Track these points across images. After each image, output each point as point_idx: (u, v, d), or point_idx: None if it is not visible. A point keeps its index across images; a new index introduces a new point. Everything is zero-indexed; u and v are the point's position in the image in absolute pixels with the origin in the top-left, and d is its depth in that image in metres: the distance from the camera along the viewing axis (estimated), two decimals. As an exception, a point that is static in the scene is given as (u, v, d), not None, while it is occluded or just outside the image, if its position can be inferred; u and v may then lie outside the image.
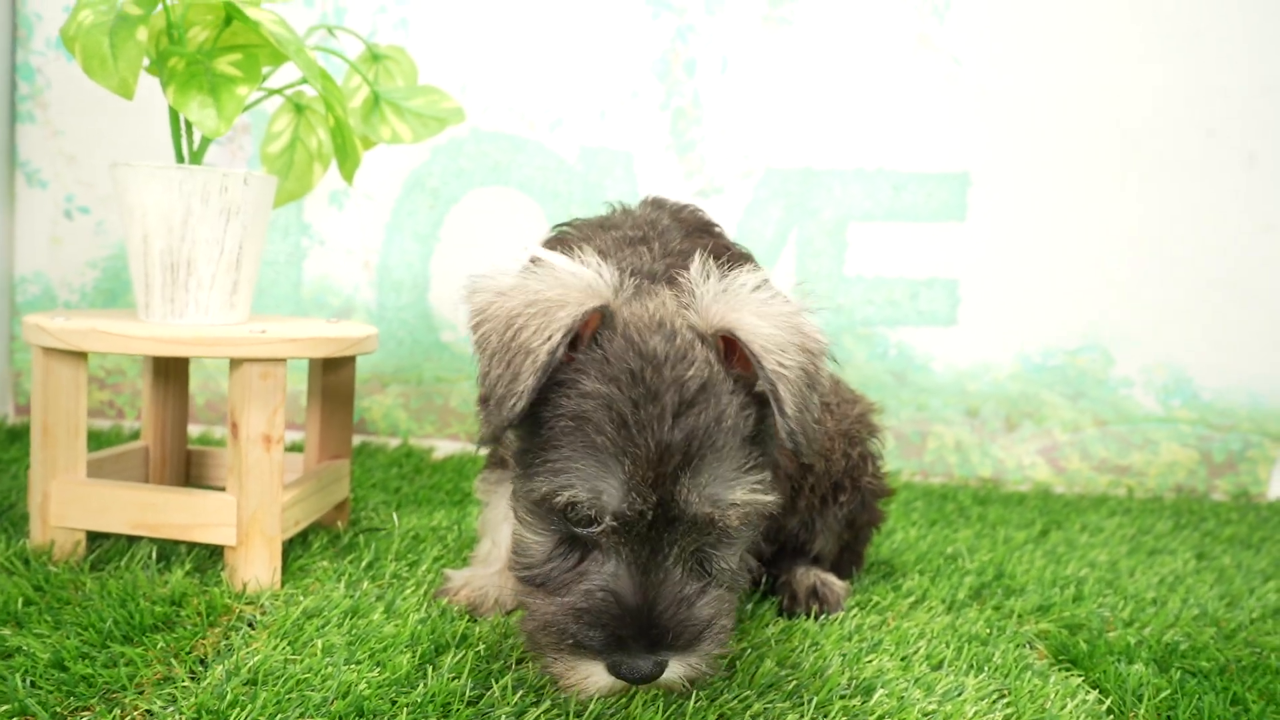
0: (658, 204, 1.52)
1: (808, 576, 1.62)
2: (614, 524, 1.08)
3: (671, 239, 1.40)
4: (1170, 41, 2.67)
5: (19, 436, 2.46)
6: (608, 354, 1.10)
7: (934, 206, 2.74)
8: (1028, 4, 2.68)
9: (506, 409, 1.10)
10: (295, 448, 2.50)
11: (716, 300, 1.15)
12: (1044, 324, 2.76)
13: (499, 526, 1.57)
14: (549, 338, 1.09)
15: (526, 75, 2.70)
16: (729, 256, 1.37)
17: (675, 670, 1.09)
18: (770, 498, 1.12)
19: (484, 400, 1.18)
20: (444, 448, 2.74)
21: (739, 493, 1.09)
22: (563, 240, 1.45)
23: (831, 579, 1.64)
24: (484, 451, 1.52)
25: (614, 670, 1.08)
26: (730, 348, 1.14)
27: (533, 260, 1.25)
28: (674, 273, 1.29)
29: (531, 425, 1.14)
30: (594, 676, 1.09)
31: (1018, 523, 2.29)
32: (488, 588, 1.53)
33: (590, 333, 1.13)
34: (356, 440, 2.72)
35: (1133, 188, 2.71)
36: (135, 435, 2.58)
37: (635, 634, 1.07)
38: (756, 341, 1.10)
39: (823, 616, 1.55)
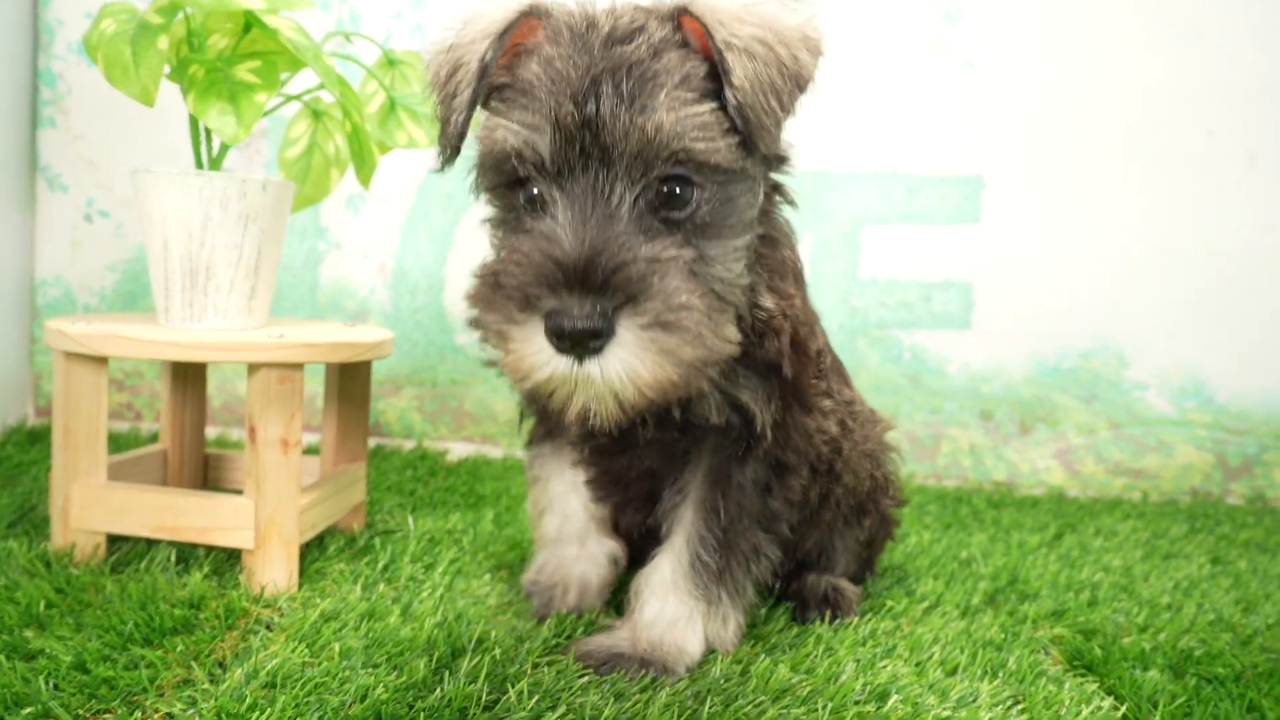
0: None
1: (820, 582, 1.62)
2: (552, 167, 1.02)
3: None
4: (1181, 38, 2.66)
5: (40, 438, 2.49)
6: (544, 41, 1.07)
7: (948, 209, 2.74)
8: (1040, 6, 2.67)
9: (452, 126, 1.11)
10: (311, 450, 2.52)
11: None
12: (1058, 326, 2.76)
13: (566, 498, 1.49)
14: (478, 44, 1.09)
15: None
16: None
17: (627, 345, 0.96)
18: (713, 146, 1.02)
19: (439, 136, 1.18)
20: (458, 450, 2.75)
21: (678, 113, 1.00)
22: None
23: (844, 584, 1.63)
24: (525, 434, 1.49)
25: (550, 326, 0.95)
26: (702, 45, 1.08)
27: None
28: None
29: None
30: (533, 341, 0.98)
31: (1032, 526, 2.28)
32: (569, 565, 1.49)
33: (531, 39, 1.11)
34: (372, 443, 2.74)
35: (1146, 189, 2.70)
36: (153, 437, 2.61)
37: (572, 277, 0.95)
38: (711, 15, 1.05)
39: (836, 621, 1.55)
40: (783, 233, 1.30)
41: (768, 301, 1.21)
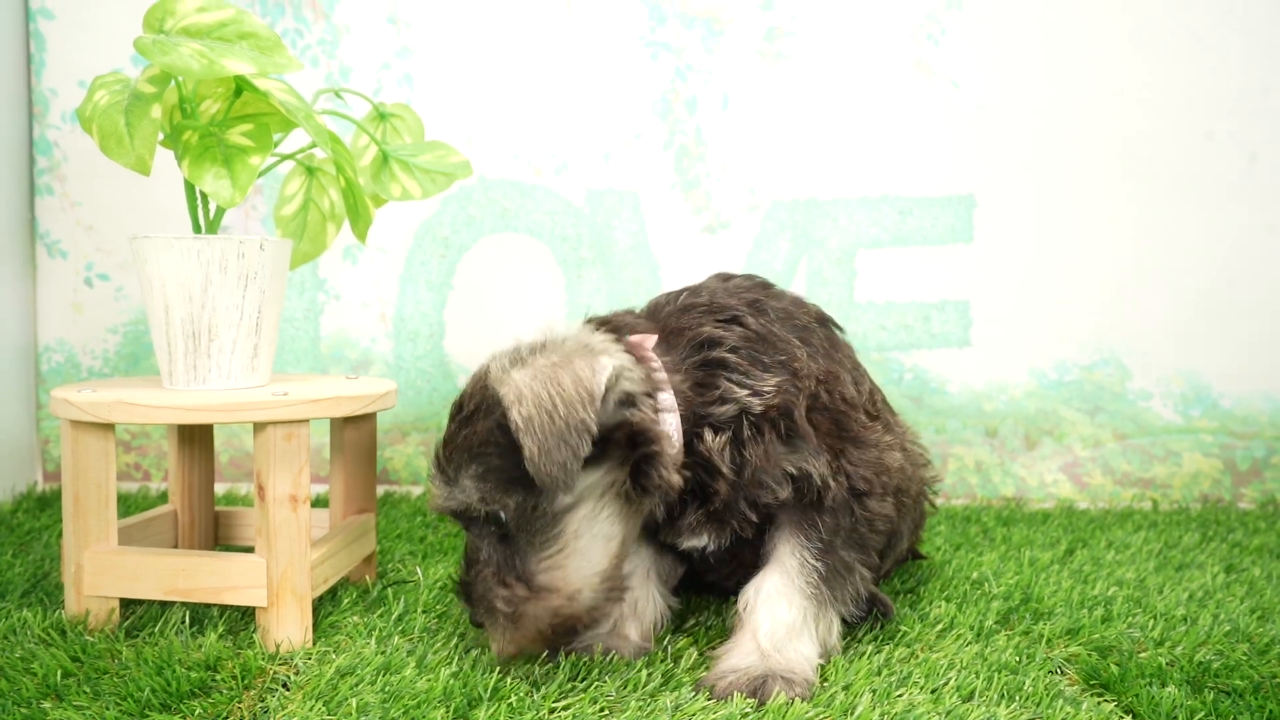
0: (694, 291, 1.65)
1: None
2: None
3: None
4: (1167, 49, 2.69)
5: (49, 504, 2.50)
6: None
7: (941, 230, 2.76)
8: (1023, 22, 2.71)
9: None
10: (321, 501, 2.53)
11: (514, 364, 1.39)
12: (1058, 340, 2.77)
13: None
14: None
15: (530, 122, 2.74)
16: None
17: (489, 635, 1.43)
18: (507, 501, 1.38)
19: None
20: (466, 493, 2.75)
21: (471, 485, 1.39)
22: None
23: (879, 592, 1.74)
24: None
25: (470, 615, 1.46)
26: None
27: None
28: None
29: None
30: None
31: (1042, 542, 2.28)
32: (591, 641, 1.56)
33: None
34: (380, 491, 2.74)
35: (1139, 197, 2.72)
36: (162, 497, 2.61)
37: (466, 596, 1.45)
38: (506, 395, 1.34)
39: (888, 620, 1.68)
40: (752, 338, 1.50)
41: (756, 406, 1.43)
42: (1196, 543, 2.29)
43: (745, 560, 1.57)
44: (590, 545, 1.41)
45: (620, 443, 1.39)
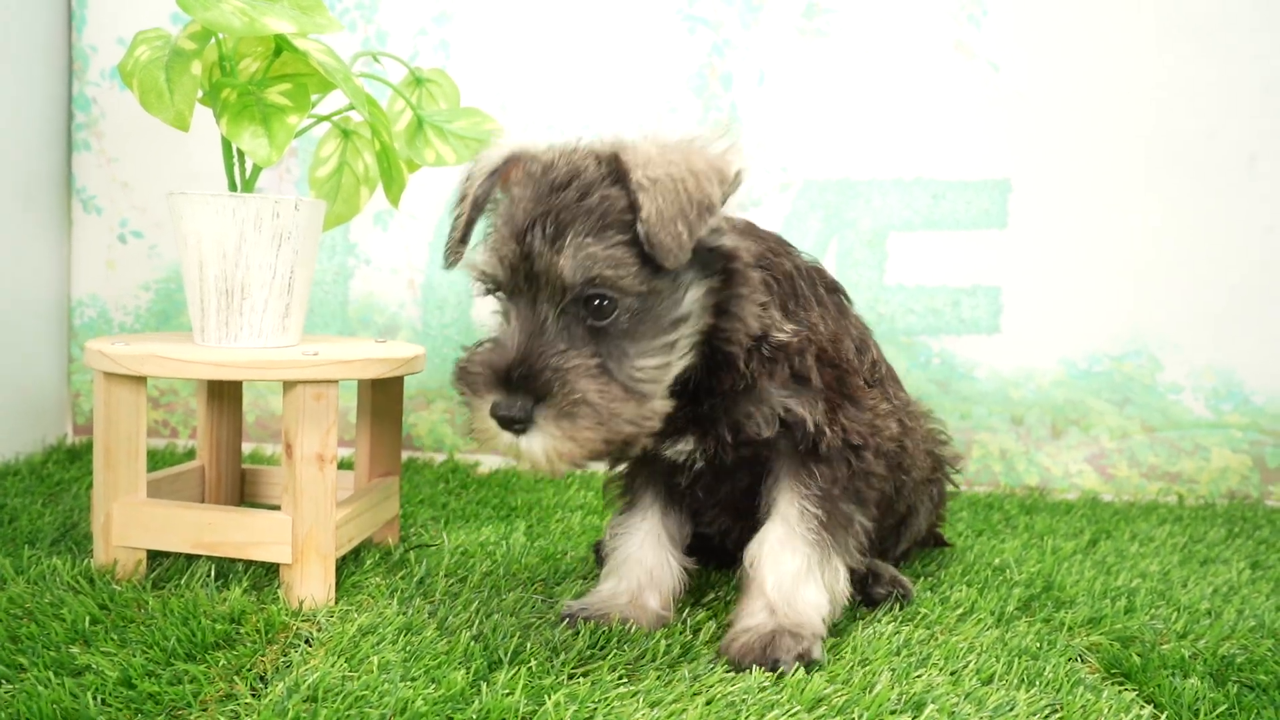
0: None
1: (884, 570, 1.73)
2: (501, 292, 1.33)
3: None
4: (1211, 38, 2.64)
5: (79, 456, 2.53)
6: (516, 183, 1.35)
7: (974, 214, 2.73)
8: (1066, 7, 2.66)
9: (451, 237, 1.45)
10: (346, 465, 2.55)
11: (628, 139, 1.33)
12: (1088, 330, 2.74)
13: (637, 554, 1.61)
14: (479, 180, 1.42)
15: (565, 93, 2.73)
16: None
17: (543, 430, 1.25)
18: (619, 273, 1.27)
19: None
20: (489, 462, 2.77)
21: (587, 251, 1.26)
22: None
23: (901, 575, 1.76)
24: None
25: (492, 410, 1.27)
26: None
27: None
28: None
29: None
30: (486, 419, 1.28)
31: (1066, 532, 2.27)
32: (619, 601, 1.57)
33: (514, 177, 1.37)
34: (404, 456, 2.76)
35: (1172, 190, 2.68)
36: (190, 454, 2.64)
37: (505, 377, 1.26)
38: (632, 159, 1.28)
39: (907, 602, 1.69)
40: (788, 276, 1.50)
41: (780, 335, 1.44)
42: (1222, 538, 2.27)
43: (740, 507, 1.59)
44: (677, 365, 1.35)
45: (714, 271, 1.37)
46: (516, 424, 1.26)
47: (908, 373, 2.75)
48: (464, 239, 1.45)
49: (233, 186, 1.77)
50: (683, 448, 1.50)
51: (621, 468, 1.68)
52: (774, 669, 1.36)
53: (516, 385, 1.26)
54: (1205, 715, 1.28)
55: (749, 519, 1.57)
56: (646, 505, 1.65)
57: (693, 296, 1.35)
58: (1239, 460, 2.72)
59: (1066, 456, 2.76)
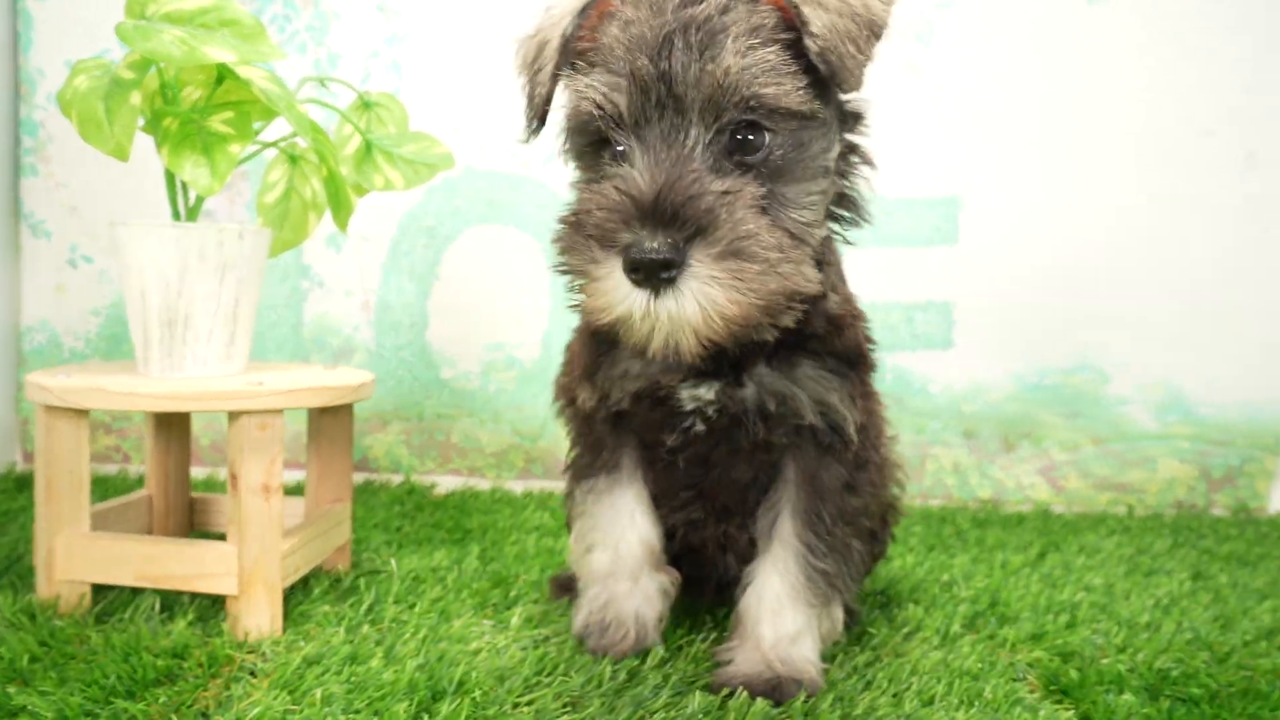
0: None
1: None
2: (630, 119, 1.08)
3: None
4: (1155, 56, 2.69)
5: (27, 484, 2.50)
6: (622, 7, 1.13)
7: (925, 231, 2.77)
8: (1012, 26, 2.71)
9: (537, 98, 1.22)
10: (297, 489, 2.53)
11: None
12: (1039, 344, 2.78)
13: (620, 531, 1.46)
14: (561, 21, 1.17)
15: (519, 113, 2.73)
16: None
17: (699, 276, 0.99)
18: (783, 90, 1.06)
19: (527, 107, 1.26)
20: (446, 483, 2.77)
21: (746, 58, 1.05)
22: None
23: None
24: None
25: (628, 261, 1.00)
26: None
27: None
28: None
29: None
30: (612, 278, 1.02)
31: (1015, 545, 2.30)
32: (623, 603, 1.47)
33: (611, 6, 1.17)
34: (359, 478, 2.75)
35: (1122, 205, 2.73)
36: (141, 480, 2.61)
37: (651, 210, 1.00)
38: None
39: (854, 627, 1.63)
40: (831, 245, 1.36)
41: (834, 301, 1.30)
42: (1167, 548, 2.31)
43: (724, 503, 1.45)
44: (819, 230, 1.18)
45: (842, 138, 1.24)
46: (664, 271, 0.99)
47: (862, 388, 2.77)
48: (549, 98, 1.22)
49: (176, 215, 1.76)
50: (703, 393, 1.30)
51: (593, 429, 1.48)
52: (780, 704, 1.32)
53: (665, 219, 1.00)
54: (1138, 731, 1.31)
55: (727, 521, 1.45)
56: (629, 470, 1.47)
57: (835, 152, 1.19)
58: (1185, 470, 2.77)
59: (1019, 469, 2.80)
